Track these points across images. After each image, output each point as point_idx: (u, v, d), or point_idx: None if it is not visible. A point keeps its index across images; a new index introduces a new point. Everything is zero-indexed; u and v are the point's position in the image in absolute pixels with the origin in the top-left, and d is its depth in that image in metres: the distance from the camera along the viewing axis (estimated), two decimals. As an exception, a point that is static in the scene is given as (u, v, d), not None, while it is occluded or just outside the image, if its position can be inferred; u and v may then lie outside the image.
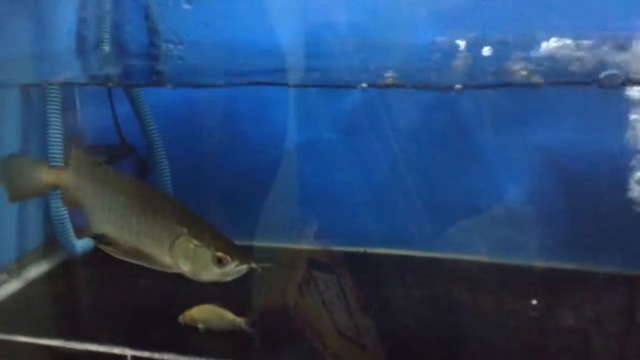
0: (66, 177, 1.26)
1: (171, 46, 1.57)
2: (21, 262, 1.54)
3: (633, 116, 1.24)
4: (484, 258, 1.56)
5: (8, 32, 1.47)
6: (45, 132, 1.46)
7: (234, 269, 1.12)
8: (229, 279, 1.14)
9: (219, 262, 1.12)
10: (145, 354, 1.15)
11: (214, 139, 1.65)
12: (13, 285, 1.47)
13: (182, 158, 1.68)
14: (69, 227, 1.48)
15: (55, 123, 1.45)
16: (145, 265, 1.15)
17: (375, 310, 1.27)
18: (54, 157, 1.43)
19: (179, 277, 1.09)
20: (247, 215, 1.52)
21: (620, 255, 1.43)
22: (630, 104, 1.21)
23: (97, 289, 1.44)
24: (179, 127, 1.67)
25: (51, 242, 1.58)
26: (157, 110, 1.65)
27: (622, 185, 1.32)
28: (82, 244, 1.52)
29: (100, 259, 1.46)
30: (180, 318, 1.29)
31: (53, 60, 1.53)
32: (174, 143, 1.68)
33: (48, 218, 1.50)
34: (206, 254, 1.12)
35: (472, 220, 1.57)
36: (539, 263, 1.51)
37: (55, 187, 1.29)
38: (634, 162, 1.29)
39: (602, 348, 1.21)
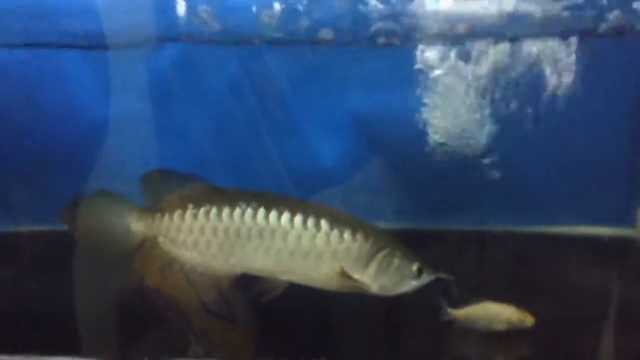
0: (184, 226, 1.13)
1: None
2: None
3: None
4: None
5: None
6: None
7: (424, 280, 1.11)
8: (412, 290, 1.12)
9: (420, 273, 1.10)
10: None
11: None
12: None
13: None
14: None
15: None
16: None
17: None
18: None
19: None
20: (49, 196, 1.38)
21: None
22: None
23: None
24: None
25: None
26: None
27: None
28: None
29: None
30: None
31: None
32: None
33: None
34: (407, 268, 1.09)
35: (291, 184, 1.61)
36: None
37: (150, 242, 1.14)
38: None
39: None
